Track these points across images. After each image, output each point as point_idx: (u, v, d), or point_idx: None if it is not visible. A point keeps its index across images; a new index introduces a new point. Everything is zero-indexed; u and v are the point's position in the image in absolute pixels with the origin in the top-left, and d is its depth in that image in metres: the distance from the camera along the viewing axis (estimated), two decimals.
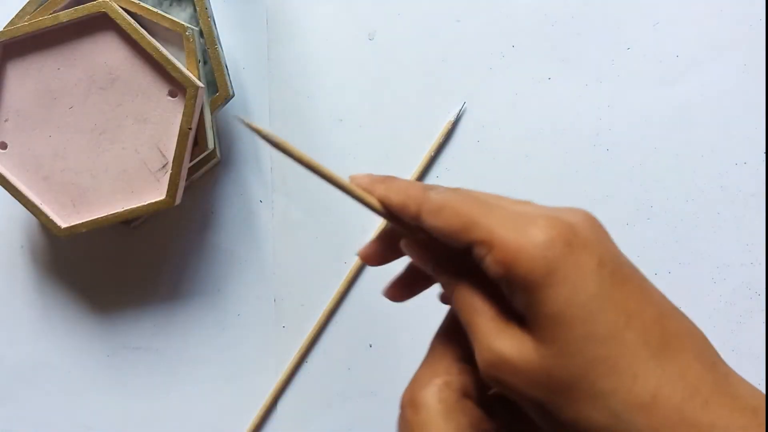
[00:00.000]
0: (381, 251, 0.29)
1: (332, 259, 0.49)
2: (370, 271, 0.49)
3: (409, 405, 0.26)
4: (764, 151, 0.47)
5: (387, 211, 0.26)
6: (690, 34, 0.47)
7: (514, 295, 0.23)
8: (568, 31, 0.48)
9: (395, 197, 0.26)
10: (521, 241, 0.22)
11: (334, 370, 0.49)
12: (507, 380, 0.23)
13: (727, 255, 0.47)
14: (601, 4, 0.48)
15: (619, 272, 0.23)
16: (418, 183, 0.26)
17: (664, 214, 0.47)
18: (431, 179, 0.49)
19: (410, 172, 0.48)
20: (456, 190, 0.25)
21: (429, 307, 0.49)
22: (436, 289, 0.48)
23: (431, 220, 0.24)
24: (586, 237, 0.23)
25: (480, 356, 0.24)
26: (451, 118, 0.48)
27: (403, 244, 0.27)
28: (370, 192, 0.27)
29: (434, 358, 0.28)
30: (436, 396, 0.25)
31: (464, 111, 0.48)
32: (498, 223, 0.23)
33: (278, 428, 0.49)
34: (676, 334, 0.22)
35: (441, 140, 0.48)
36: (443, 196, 0.25)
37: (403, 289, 0.30)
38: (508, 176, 0.48)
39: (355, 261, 0.49)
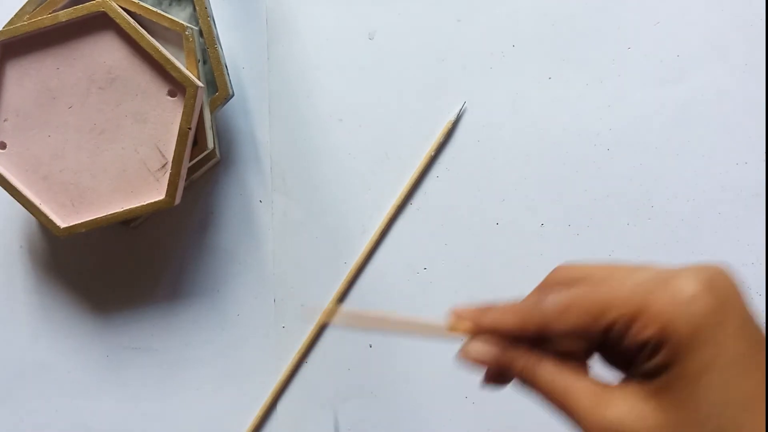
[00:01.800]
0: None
1: (332, 259, 0.49)
2: (370, 271, 0.49)
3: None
4: (765, 151, 0.46)
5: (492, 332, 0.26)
6: (691, 33, 0.47)
7: (652, 357, 0.22)
8: (568, 31, 0.48)
9: (510, 322, 0.25)
10: (667, 302, 0.21)
11: (334, 370, 0.49)
12: None
13: (728, 255, 0.46)
14: (601, 3, 0.48)
15: (758, 334, 0.22)
16: (523, 302, 0.25)
17: (665, 215, 0.47)
18: (431, 179, 0.48)
19: (410, 172, 0.48)
20: (568, 287, 0.24)
21: (427, 308, 0.48)
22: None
23: (560, 327, 0.24)
24: (729, 295, 0.22)
25: (589, 428, 0.22)
26: (452, 117, 0.48)
27: (460, 356, 0.26)
28: (479, 326, 0.26)
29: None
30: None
31: (464, 111, 0.48)
32: (637, 294, 0.22)
33: (278, 428, 0.49)
34: None
35: (441, 140, 0.48)
36: (561, 297, 0.24)
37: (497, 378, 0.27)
38: (508, 176, 0.48)
39: (355, 261, 0.48)
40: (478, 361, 0.25)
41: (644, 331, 0.22)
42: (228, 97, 0.46)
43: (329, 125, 0.49)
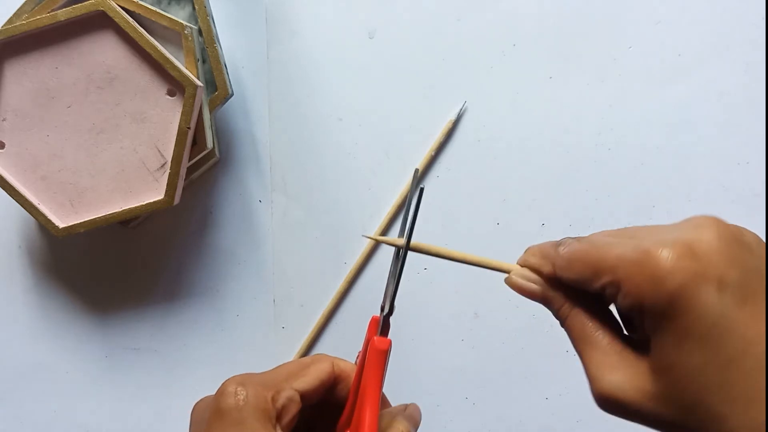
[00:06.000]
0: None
1: (332, 259, 0.49)
2: (370, 271, 0.49)
3: (234, 393, 0.28)
4: (765, 150, 0.46)
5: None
6: (692, 33, 0.47)
7: (642, 323, 0.24)
8: (569, 30, 0.48)
9: (533, 259, 0.28)
10: (644, 276, 0.23)
11: None
12: (621, 413, 0.24)
13: None
14: (602, 2, 0.47)
15: (740, 293, 0.22)
16: (550, 242, 0.28)
17: (666, 214, 0.47)
18: (431, 179, 0.48)
19: (410, 172, 0.48)
20: (580, 240, 0.26)
21: (428, 307, 0.48)
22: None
23: (566, 274, 0.26)
24: (707, 258, 0.22)
25: (593, 387, 0.25)
26: (452, 117, 0.48)
27: (506, 282, 0.29)
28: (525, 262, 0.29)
29: (309, 370, 0.32)
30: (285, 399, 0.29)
31: (465, 110, 0.48)
32: (621, 263, 0.24)
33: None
34: None
35: (441, 139, 0.48)
36: (569, 249, 0.26)
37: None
38: (508, 176, 0.48)
39: (355, 261, 0.48)
40: (520, 291, 0.28)
41: (625, 300, 0.24)
42: (227, 96, 0.46)
43: (329, 125, 0.49)
